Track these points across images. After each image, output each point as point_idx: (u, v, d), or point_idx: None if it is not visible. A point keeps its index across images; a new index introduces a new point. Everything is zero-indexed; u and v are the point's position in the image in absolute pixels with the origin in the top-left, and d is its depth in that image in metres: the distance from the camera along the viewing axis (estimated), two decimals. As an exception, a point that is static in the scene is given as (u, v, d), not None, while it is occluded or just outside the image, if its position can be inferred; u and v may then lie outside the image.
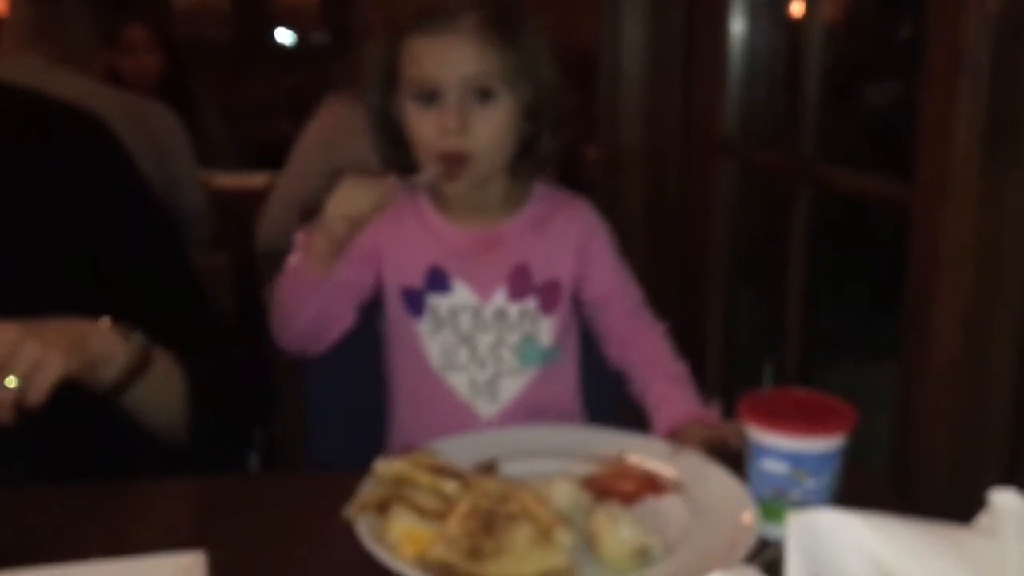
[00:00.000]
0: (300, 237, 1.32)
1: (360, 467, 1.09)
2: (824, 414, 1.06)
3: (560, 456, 1.20)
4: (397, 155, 1.38)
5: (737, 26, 2.38)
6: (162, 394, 1.24)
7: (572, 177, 1.86)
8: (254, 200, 3.32)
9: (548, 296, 1.41)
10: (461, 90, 1.29)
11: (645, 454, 1.19)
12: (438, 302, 1.38)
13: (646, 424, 1.38)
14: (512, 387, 1.40)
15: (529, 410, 1.39)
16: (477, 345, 1.39)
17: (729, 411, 1.36)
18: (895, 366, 1.43)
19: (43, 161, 1.26)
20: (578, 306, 1.47)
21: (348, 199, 1.22)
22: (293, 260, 1.33)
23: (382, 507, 1.00)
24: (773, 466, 1.05)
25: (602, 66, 2.73)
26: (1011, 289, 1.25)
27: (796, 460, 1.04)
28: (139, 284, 1.29)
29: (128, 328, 1.18)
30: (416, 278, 1.39)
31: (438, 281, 1.38)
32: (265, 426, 1.75)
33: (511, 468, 1.15)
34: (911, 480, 1.34)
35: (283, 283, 1.34)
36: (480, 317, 1.38)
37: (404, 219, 1.40)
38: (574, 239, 1.43)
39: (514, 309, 1.39)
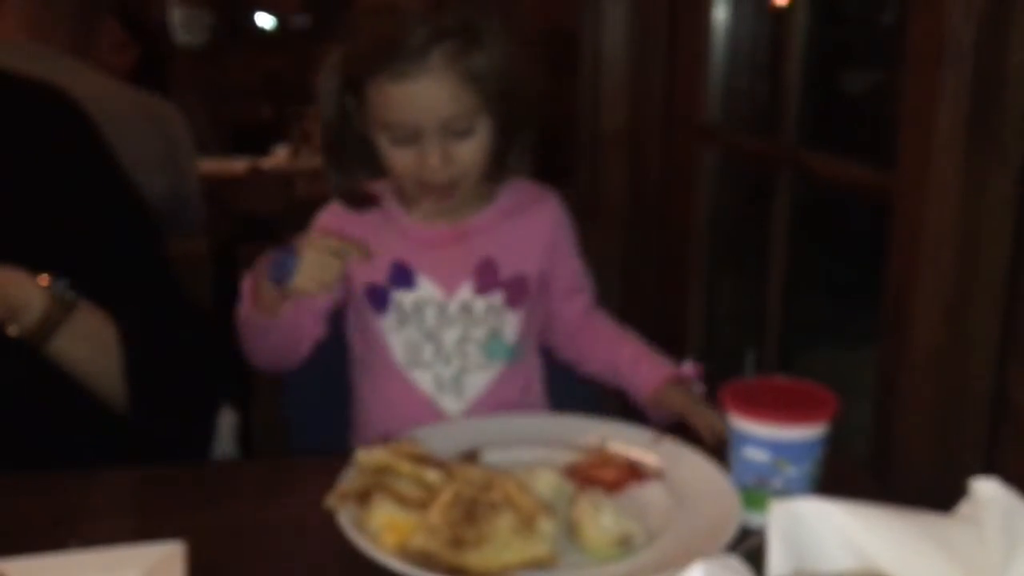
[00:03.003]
0: (246, 285, 1.30)
1: (341, 452, 1.09)
2: (806, 402, 1.06)
3: (542, 444, 1.20)
4: (362, 172, 1.36)
5: (720, 10, 2.37)
6: (91, 348, 1.24)
7: (553, 161, 1.85)
8: (235, 186, 3.31)
9: (514, 291, 1.40)
10: (440, 130, 1.26)
11: (626, 441, 1.19)
12: (402, 297, 1.37)
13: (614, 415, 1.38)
14: (478, 383, 1.39)
15: (495, 406, 1.38)
16: (442, 341, 1.37)
17: (711, 396, 1.38)
18: (876, 352, 1.44)
19: (11, 136, 1.26)
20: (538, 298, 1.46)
21: (315, 271, 1.20)
22: (243, 310, 1.31)
23: (363, 497, 0.99)
24: (755, 454, 1.05)
25: (583, 49, 2.71)
26: (992, 277, 1.26)
27: (778, 448, 1.04)
28: (100, 262, 1.28)
29: (54, 279, 1.20)
30: (380, 274, 1.37)
31: (402, 276, 1.37)
32: (241, 410, 1.74)
33: (493, 457, 1.15)
34: (891, 467, 1.34)
35: (238, 324, 1.33)
36: (445, 312, 1.37)
37: (368, 215, 1.39)
38: (542, 234, 1.43)
39: (480, 304, 1.38)
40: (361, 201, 1.38)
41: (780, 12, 2.18)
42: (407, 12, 1.22)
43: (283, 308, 1.27)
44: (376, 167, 1.34)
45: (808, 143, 1.95)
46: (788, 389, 1.10)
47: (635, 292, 2.59)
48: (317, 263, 1.20)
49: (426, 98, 1.23)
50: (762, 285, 2.06)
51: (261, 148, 3.76)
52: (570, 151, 2.84)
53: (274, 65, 5.84)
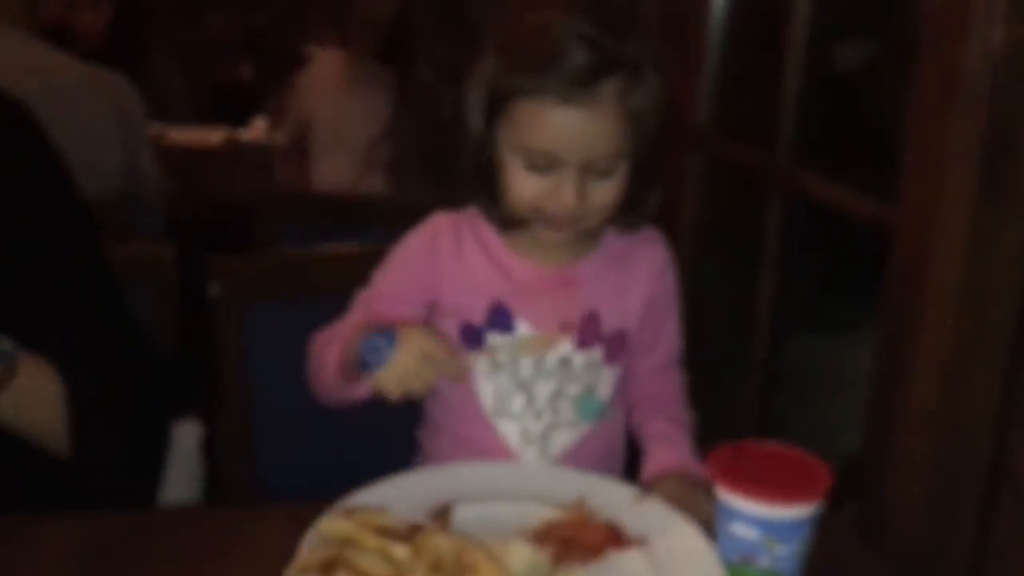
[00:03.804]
0: (335, 347, 1.20)
1: (311, 495, 1.03)
2: (799, 476, 1.01)
3: (519, 499, 1.14)
4: (484, 190, 1.23)
5: (719, 4, 2.26)
6: (34, 411, 1.17)
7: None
8: (210, 160, 3.20)
9: (614, 347, 1.30)
10: (582, 166, 1.14)
11: (608, 500, 1.14)
12: (499, 342, 1.27)
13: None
14: (565, 440, 1.30)
15: (578, 464, 1.28)
16: (536, 394, 1.28)
17: (702, 435, 1.33)
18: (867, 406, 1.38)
19: None
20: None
21: (405, 375, 1.11)
22: (323, 372, 1.23)
23: (327, 569, 0.93)
24: (743, 531, 1.00)
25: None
26: (996, 336, 1.20)
27: (767, 527, 0.98)
28: (40, 280, 1.20)
29: None
30: (478, 314, 1.26)
31: (501, 319, 1.27)
32: (206, 422, 1.68)
33: (467, 514, 1.08)
34: (886, 526, 1.29)
35: (314, 364, 1.26)
36: (542, 364, 1.27)
37: (466, 248, 1.27)
38: (647, 284, 1.32)
39: (579, 359, 1.28)
40: (513, 223, 1.25)
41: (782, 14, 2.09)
42: (576, 32, 1.11)
43: (361, 385, 1.18)
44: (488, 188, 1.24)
45: (806, 162, 1.87)
46: (779, 458, 1.04)
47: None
48: (410, 368, 1.11)
49: (583, 132, 1.13)
50: (751, 309, 1.99)
51: (240, 118, 3.64)
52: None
53: (259, 22, 5.67)
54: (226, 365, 1.56)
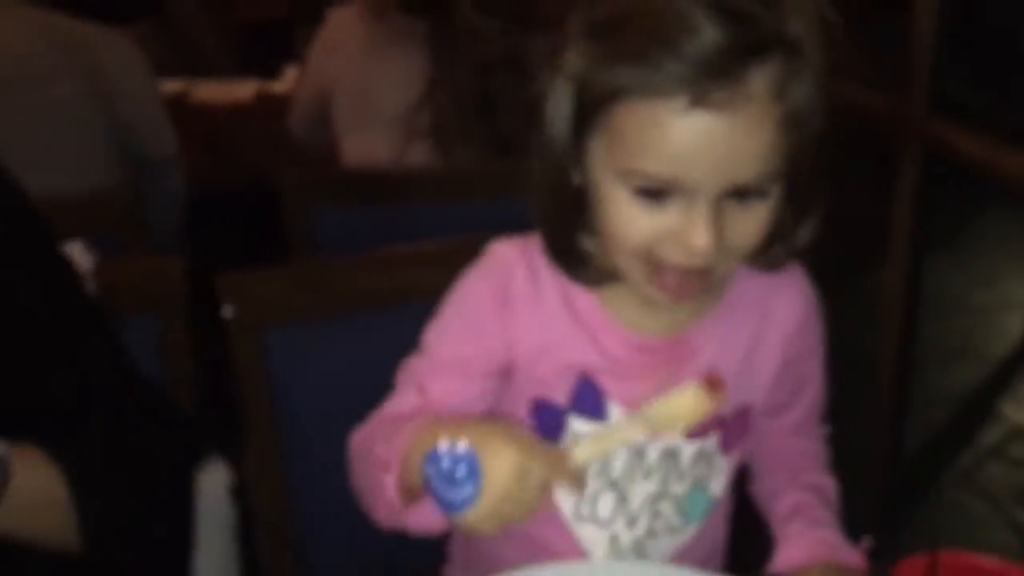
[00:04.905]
0: (388, 478, 0.89)
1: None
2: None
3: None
4: (565, 230, 0.91)
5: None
6: (36, 516, 0.95)
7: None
8: (239, 121, 2.89)
9: (734, 430, 0.99)
10: (721, 195, 0.81)
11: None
12: (585, 429, 0.96)
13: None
14: (663, 549, 1.01)
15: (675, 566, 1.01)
16: (631, 495, 0.98)
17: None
18: None
19: None
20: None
21: (503, 506, 0.79)
22: (382, 508, 0.93)
23: None
24: None
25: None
26: None
27: None
28: (17, 355, 0.96)
29: None
30: (559, 390, 0.96)
31: (588, 400, 0.96)
32: (235, 465, 1.43)
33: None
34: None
35: (362, 490, 0.97)
36: (642, 459, 0.97)
37: (548, 305, 0.95)
38: (784, 339, 1.00)
39: (688, 450, 0.98)
40: (599, 278, 0.93)
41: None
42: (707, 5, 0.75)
43: (437, 519, 0.88)
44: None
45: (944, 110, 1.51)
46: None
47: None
48: (510, 495, 0.79)
49: (722, 145, 0.78)
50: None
51: (274, 66, 3.32)
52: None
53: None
54: (250, 400, 1.31)
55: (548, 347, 0.94)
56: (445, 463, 0.78)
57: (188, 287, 1.32)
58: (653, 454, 0.97)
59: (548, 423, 0.97)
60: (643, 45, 0.77)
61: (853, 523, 1.05)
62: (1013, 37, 1.76)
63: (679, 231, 0.82)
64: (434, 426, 0.86)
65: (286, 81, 3.08)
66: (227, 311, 1.28)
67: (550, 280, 0.95)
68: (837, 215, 0.95)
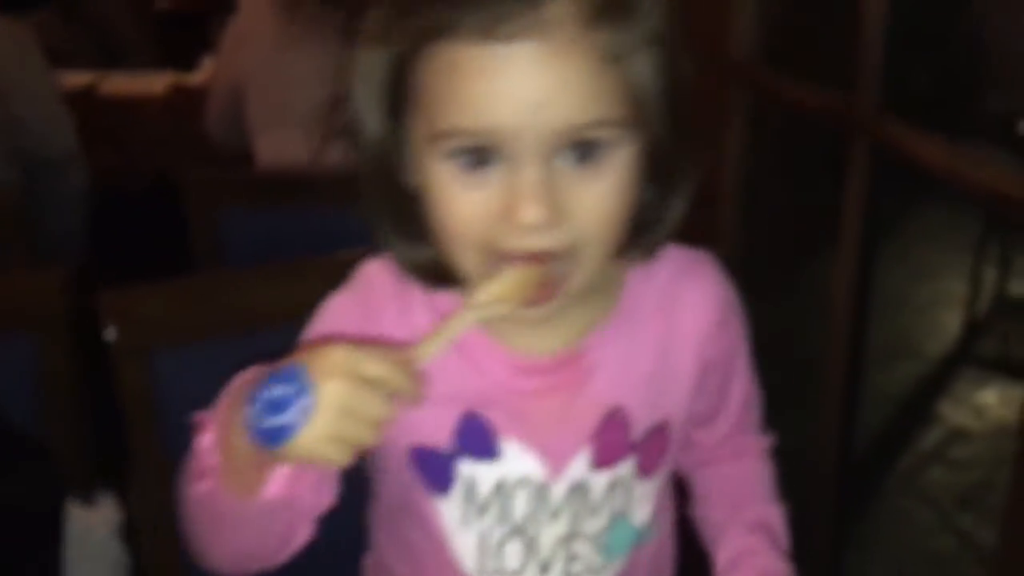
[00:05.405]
0: (205, 438, 0.75)
1: None
2: None
3: None
4: (399, 228, 0.78)
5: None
6: None
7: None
8: (151, 113, 2.73)
9: (651, 451, 0.86)
10: (547, 149, 0.70)
11: None
12: (477, 473, 0.84)
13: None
14: None
15: None
16: (538, 540, 0.85)
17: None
18: None
19: None
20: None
21: (339, 422, 0.65)
22: (196, 484, 0.76)
23: None
24: None
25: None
26: None
27: None
28: None
29: None
30: (440, 432, 0.83)
31: (477, 440, 0.82)
32: (122, 501, 1.30)
33: None
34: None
35: (185, 503, 0.80)
36: (545, 499, 0.84)
37: (417, 323, 0.81)
38: (696, 342, 0.87)
39: (599, 481, 0.85)
40: (450, 279, 0.80)
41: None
42: None
43: (267, 479, 0.72)
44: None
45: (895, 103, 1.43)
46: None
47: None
48: (345, 408, 0.65)
49: (536, 80, 0.67)
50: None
51: (195, 57, 3.15)
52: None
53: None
54: (135, 429, 1.17)
55: (424, 379, 0.75)
56: (268, 392, 0.66)
57: (72, 303, 1.18)
58: (558, 492, 0.84)
59: (434, 473, 0.84)
60: None
61: (802, 536, 0.96)
62: (959, 35, 1.70)
63: (507, 201, 0.70)
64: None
65: (201, 73, 2.92)
66: (109, 333, 1.14)
67: (420, 297, 0.82)
68: (786, 213, 0.85)
